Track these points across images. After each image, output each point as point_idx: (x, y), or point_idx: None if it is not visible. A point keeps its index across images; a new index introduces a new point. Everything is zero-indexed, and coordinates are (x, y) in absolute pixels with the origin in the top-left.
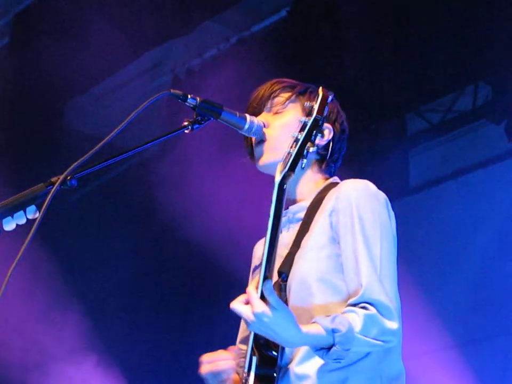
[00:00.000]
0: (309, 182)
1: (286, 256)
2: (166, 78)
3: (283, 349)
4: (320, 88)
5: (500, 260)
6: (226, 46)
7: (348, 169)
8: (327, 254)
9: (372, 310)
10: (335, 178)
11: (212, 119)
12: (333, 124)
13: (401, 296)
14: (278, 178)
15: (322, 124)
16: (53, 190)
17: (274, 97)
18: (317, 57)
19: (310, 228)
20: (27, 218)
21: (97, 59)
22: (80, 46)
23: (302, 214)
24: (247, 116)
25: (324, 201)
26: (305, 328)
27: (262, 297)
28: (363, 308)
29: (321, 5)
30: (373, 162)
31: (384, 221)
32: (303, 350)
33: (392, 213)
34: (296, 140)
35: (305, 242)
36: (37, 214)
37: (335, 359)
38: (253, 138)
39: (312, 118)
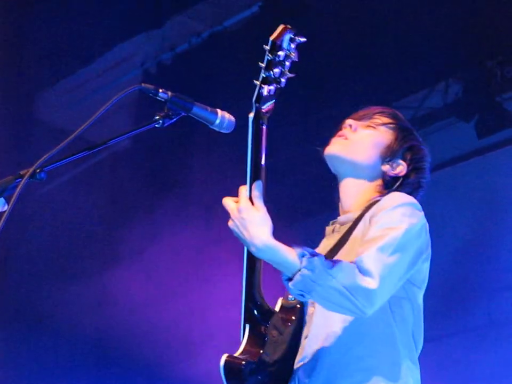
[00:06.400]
0: (364, 195)
1: None
2: (137, 72)
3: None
4: (283, 25)
5: (466, 259)
6: (198, 40)
7: (318, 164)
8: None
9: (352, 264)
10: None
11: (183, 113)
12: (409, 167)
13: None
14: (251, 115)
15: (279, 49)
16: (22, 183)
17: (377, 115)
18: None
19: (349, 238)
20: None
21: (67, 52)
22: (51, 38)
23: (348, 226)
24: (218, 110)
25: (368, 212)
26: (276, 241)
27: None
28: None
29: (293, 0)
30: None
31: (409, 228)
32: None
33: (424, 227)
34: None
35: (341, 250)
36: (6, 207)
37: (300, 290)
38: (338, 133)
39: (269, 43)
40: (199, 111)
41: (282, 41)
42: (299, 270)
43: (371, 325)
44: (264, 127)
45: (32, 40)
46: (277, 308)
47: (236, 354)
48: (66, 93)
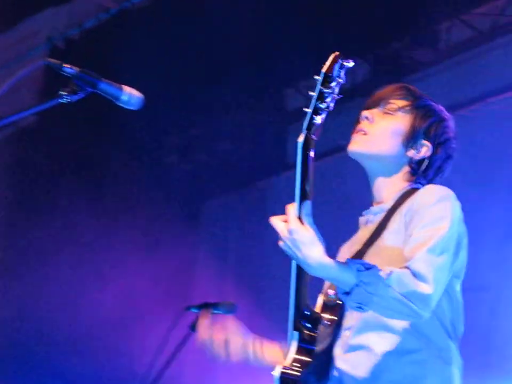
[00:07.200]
0: (394, 185)
1: (356, 253)
2: (44, 47)
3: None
4: (334, 54)
5: None
6: (106, 16)
7: (228, 143)
8: (399, 253)
9: (405, 270)
10: (418, 184)
11: (90, 89)
12: (434, 144)
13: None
14: (300, 140)
15: (332, 80)
16: None
17: (391, 99)
18: (196, 32)
19: (386, 228)
20: None
21: None
22: None
23: (381, 216)
24: (126, 87)
25: (403, 204)
26: (329, 258)
27: (299, 218)
28: None
29: None
30: (251, 136)
31: (451, 224)
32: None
33: (461, 216)
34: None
35: (379, 241)
36: None
37: (358, 303)
38: (357, 127)
39: (321, 75)
40: (105, 87)
41: (333, 71)
42: (356, 285)
43: None
44: (312, 151)
45: None
46: (318, 305)
47: (286, 364)
48: None
